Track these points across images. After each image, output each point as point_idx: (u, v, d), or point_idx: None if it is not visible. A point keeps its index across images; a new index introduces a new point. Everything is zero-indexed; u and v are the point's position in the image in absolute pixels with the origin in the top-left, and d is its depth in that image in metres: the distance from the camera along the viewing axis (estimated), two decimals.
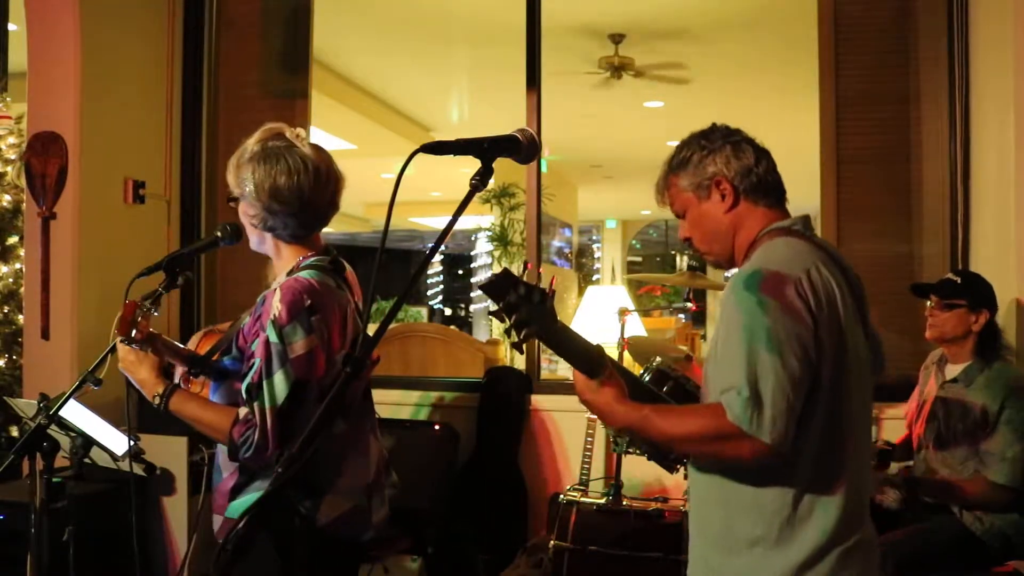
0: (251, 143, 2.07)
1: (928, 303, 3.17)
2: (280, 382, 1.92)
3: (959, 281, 3.12)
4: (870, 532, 1.76)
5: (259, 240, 2.12)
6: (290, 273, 2.05)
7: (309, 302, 1.96)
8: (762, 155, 1.85)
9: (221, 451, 2.08)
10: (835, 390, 1.67)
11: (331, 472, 2.04)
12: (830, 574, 1.67)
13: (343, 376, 1.34)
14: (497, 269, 8.56)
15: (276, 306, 1.94)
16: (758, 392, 1.59)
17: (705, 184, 1.83)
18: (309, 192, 2.02)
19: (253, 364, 1.95)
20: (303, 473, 1.94)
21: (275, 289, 1.99)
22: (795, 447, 1.62)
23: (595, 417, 3.56)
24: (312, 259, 2.07)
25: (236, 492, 2.05)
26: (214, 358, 2.10)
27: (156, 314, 2.03)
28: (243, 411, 1.95)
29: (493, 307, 1.61)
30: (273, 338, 1.92)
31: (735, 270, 1.82)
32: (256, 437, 1.91)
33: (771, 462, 1.62)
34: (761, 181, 1.83)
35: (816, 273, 1.68)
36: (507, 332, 1.60)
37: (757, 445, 1.59)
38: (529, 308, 1.58)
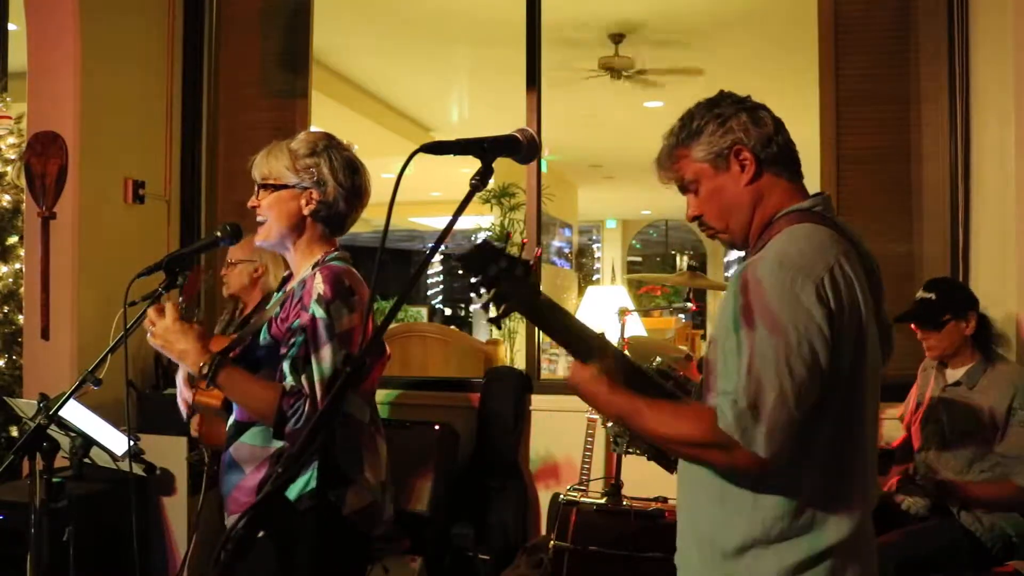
0: (303, 139, 2.15)
1: (914, 327, 3.15)
2: (328, 355, 1.99)
3: (934, 297, 3.10)
4: (870, 531, 1.67)
5: (291, 233, 2.13)
6: (315, 265, 2.12)
7: (348, 283, 2.05)
8: (780, 124, 1.71)
9: (238, 448, 2.09)
10: (849, 398, 1.58)
11: (356, 463, 2.09)
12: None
13: (344, 375, 1.34)
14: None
15: (320, 286, 2.02)
16: (757, 403, 1.49)
17: (724, 154, 1.67)
18: (366, 188, 2.18)
19: (296, 340, 2.00)
20: (334, 461, 2.02)
21: (313, 274, 2.06)
22: (805, 454, 1.54)
23: (595, 417, 3.56)
24: (335, 254, 2.15)
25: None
26: (233, 354, 2.10)
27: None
28: (289, 384, 1.99)
29: (472, 279, 1.50)
30: (320, 314, 2.00)
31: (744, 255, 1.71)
32: (307, 408, 1.95)
33: (758, 473, 1.54)
34: (782, 151, 1.69)
35: (839, 271, 1.55)
36: (484, 307, 1.50)
37: (748, 457, 1.50)
38: (510, 281, 1.48)
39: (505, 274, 1.48)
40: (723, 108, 1.69)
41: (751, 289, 1.54)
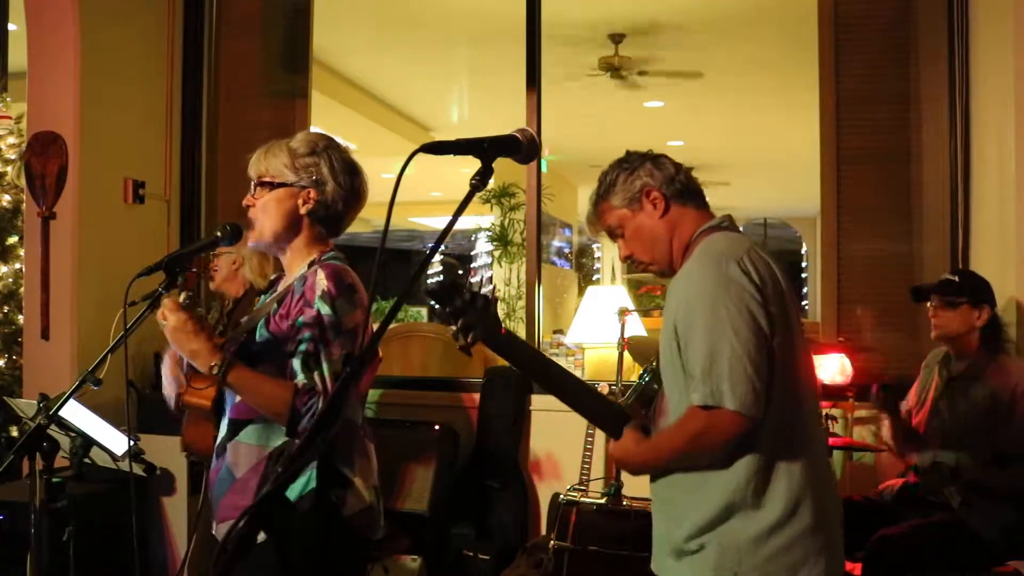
0: (303, 139, 2.13)
1: (929, 304, 3.18)
2: (338, 352, 1.99)
3: (958, 280, 3.15)
4: (835, 498, 1.88)
5: (285, 232, 2.11)
6: (311, 263, 2.10)
7: (349, 281, 2.04)
8: (679, 166, 2.00)
9: (232, 450, 2.07)
10: (785, 358, 1.78)
11: (353, 465, 2.07)
12: (800, 533, 1.76)
13: (344, 375, 1.34)
14: (497, 270, 8.44)
15: (323, 282, 2.01)
16: (712, 367, 1.71)
17: (636, 197, 1.96)
18: (364, 191, 2.17)
19: (303, 337, 1.99)
20: (333, 462, 2.02)
21: (314, 270, 2.04)
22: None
23: None
24: (331, 253, 2.14)
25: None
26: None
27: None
28: (301, 381, 1.97)
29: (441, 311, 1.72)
30: (326, 310, 1.99)
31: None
32: (321, 405, 1.93)
33: (749, 429, 1.71)
34: (685, 187, 1.97)
35: (755, 253, 1.83)
36: (455, 336, 1.69)
37: (727, 416, 1.70)
38: (473, 314, 1.68)
39: (468, 307, 1.68)
40: (630, 161, 2.00)
41: (689, 280, 1.82)
